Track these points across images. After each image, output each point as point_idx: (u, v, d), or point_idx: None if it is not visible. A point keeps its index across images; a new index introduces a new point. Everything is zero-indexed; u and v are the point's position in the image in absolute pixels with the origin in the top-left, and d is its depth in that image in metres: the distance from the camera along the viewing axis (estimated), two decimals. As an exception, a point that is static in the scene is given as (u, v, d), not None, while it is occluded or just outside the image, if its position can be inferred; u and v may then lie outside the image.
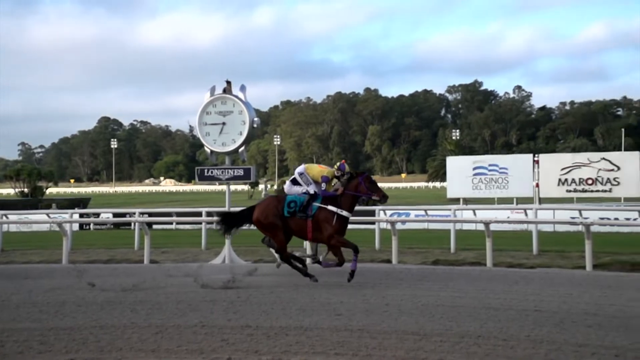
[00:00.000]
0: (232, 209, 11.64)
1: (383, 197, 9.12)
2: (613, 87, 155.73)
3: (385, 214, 19.00)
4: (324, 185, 9.25)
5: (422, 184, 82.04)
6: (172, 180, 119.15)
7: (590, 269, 10.42)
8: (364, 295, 7.87)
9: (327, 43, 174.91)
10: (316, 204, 9.01)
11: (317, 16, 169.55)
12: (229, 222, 9.75)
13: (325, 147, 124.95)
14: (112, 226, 24.43)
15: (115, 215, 24.07)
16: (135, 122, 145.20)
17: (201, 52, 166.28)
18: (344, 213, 8.94)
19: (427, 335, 5.82)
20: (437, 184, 66.87)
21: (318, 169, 9.67)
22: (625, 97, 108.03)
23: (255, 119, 12.64)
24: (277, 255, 9.93)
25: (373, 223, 16.39)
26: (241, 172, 12.80)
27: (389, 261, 12.05)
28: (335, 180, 9.40)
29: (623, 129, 77.70)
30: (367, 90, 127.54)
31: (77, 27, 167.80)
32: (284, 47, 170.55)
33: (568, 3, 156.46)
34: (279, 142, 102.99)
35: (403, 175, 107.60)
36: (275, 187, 74.27)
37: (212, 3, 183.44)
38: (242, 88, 12.67)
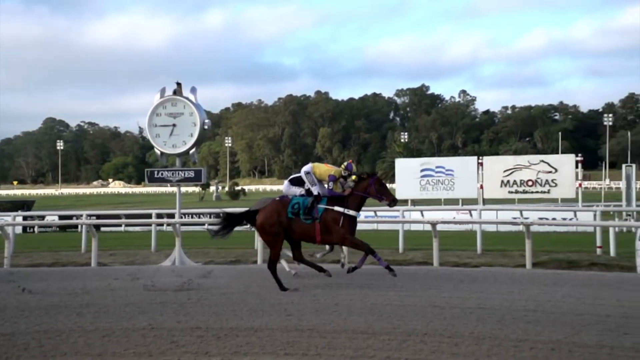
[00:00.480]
0: (233, 210, 11.21)
1: (392, 201, 8.97)
2: (551, 92, 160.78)
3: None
4: (331, 184, 9.07)
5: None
6: (121, 182, 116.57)
7: (530, 267, 10.74)
8: (315, 295, 7.90)
9: (277, 46, 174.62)
10: (322, 206, 8.78)
11: (267, 19, 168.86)
12: (231, 222, 9.39)
13: (276, 149, 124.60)
14: (57, 229, 23.75)
15: (61, 217, 23.38)
16: (82, 124, 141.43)
17: (151, 54, 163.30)
18: (351, 212, 8.75)
19: (376, 333, 5.89)
20: (388, 185, 67.54)
21: (325, 168, 9.48)
22: (561, 102, 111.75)
23: (206, 120, 12.53)
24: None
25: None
26: (192, 174, 12.65)
27: (338, 262, 12.11)
28: (342, 180, 9.24)
29: (560, 133, 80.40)
30: (318, 93, 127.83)
31: (18, 25, 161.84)
32: (235, 50, 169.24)
33: (508, 12, 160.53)
34: (230, 144, 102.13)
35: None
36: (226, 188, 73.73)
37: (162, 5, 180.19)
38: (193, 90, 12.53)
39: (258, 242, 12.40)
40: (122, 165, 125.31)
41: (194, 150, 12.48)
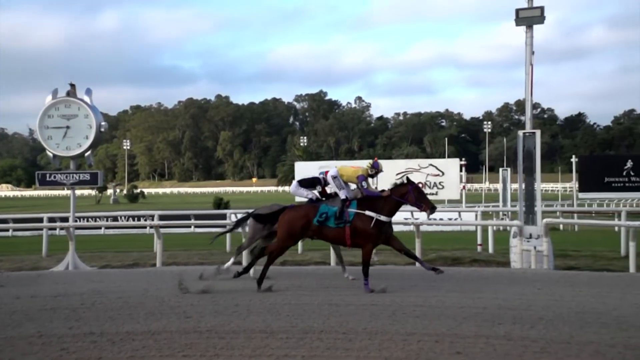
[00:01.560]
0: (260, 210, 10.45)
1: (431, 209, 8.60)
2: (438, 100, 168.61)
3: (236, 216, 18.93)
4: (364, 184, 8.73)
5: (273, 188, 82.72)
6: (9, 185, 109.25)
7: (418, 265, 11.11)
8: (214, 297, 7.78)
9: (177, 49, 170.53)
10: (352, 210, 8.42)
11: (164, 22, 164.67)
12: (261, 222, 9.16)
13: (177, 152, 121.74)
14: None
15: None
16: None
17: (43, 53, 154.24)
18: (383, 218, 8.35)
19: (274, 332, 5.89)
20: (287, 188, 67.78)
21: (352, 169, 9.11)
22: (447, 110, 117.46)
23: (103, 123, 12.02)
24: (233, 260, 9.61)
25: (224, 226, 16.24)
26: (87, 177, 12.09)
27: (239, 263, 12.00)
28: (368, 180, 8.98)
29: (446, 138, 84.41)
30: (219, 97, 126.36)
31: None
32: (132, 52, 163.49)
33: (398, 24, 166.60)
34: (128, 147, 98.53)
35: (254, 179, 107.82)
36: (125, 191, 71.03)
37: (54, 3, 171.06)
38: (88, 91, 11.99)
39: (157, 245, 12.05)
40: (9, 167, 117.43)
41: (89, 152, 11.94)
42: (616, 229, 14.98)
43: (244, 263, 9.87)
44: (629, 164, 20.23)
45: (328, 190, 9.41)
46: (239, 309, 6.96)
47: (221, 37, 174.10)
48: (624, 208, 17.35)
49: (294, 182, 9.80)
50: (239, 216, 19.47)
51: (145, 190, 77.00)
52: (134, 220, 20.26)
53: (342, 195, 8.74)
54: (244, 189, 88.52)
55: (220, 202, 39.83)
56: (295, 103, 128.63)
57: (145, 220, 18.94)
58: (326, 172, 9.69)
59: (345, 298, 7.59)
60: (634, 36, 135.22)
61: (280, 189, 74.30)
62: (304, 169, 23.40)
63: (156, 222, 15.03)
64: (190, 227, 20.46)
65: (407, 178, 8.96)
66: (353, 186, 9.01)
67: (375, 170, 8.98)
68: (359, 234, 8.27)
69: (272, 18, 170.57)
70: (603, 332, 5.73)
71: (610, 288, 8.21)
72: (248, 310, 6.92)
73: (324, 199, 9.28)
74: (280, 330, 5.98)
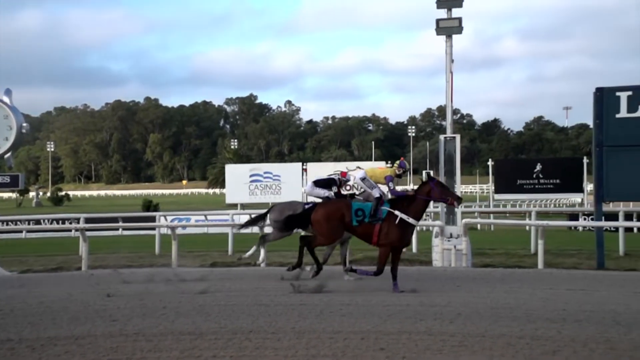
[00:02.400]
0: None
1: (457, 200, 8.62)
2: (365, 105, 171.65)
3: (166, 219, 18.55)
4: (391, 185, 8.62)
5: (203, 190, 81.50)
6: None
7: (347, 264, 11.25)
8: (142, 299, 7.57)
9: (104, 51, 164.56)
10: (385, 208, 8.34)
11: (91, 23, 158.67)
12: (291, 224, 9.05)
13: (104, 154, 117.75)
14: None
15: None
16: None
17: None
18: (411, 220, 8.27)
19: (203, 334, 5.80)
20: (217, 191, 66.97)
21: (380, 170, 9.03)
22: (374, 114, 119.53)
23: (24, 124, 11.47)
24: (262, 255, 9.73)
25: (154, 229, 15.89)
26: (7, 179, 11.53)
27: (169, 265, 11.77)
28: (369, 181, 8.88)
29: (373, 142, 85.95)
30: (148, 99, 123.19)
31: None
32: (56, 52, 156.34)
33: (326, 31, 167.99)
34: (52, 149, 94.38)
35: (184, 182, 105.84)
36: (48, 194, 67.93)
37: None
38: (8, 92, 11.42)
39: (83, 248, 11.62)
40: None
41: (9, 154, 11.37)
42: (527, 228, 15.70)
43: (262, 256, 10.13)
44: (538, 167, 21.33)
45: (343, 191, 9.55)
46: (168, 311, 6.81)
47: (151, 40, 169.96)
48: (534, 208, 18.22)
49: (309, 183, 9.84)
50: (169, 219, 19.12)
51: (71, 193, 73.94)
52: (58, 223, 19.41)
53: (376, 194, 8.75)
54: (174, 191, 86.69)
55: (150, 205, 38.83)
56: (225, 106, 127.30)
57: (71, 223, 18.18)
58: (343, 174, 9.95)
59: (275, 299, 7.58)
60: (543, 48, 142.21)
61: (210, 191, 73.33)
62: (235, 172, 23.23)
63: (82, 225, 14.48)
64: (118, 229, 19.85)
65: (428, 175, 9.07)
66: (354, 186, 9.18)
67: (403, 170, 9.05)
68: (384, 233, 8.25)
69: (202, 22, 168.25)
70: (514, 325, 5.99)
71: (521, 284, 8.61)
72: (177, 312, 6.79)
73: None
74: (209, 331, 5.89)
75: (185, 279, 9.39)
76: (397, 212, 8.23)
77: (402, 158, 9.48)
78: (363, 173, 9.10)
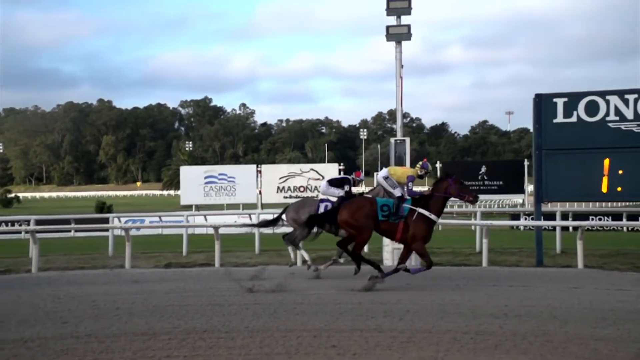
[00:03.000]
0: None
1: (475, 198, 8.64)
2: (318, 108, 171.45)
3: (119, 220, 18.12)
4: (410, 185, 8.63)
5: (158, 192, 79.95)
6: None
7: (300, 264, 11.25)
8: (94, 301, 7.39)
9: (55, 52, 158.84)
10: (407, 206, 8.34)
11: (41, 24, 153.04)
12: (313, 223, 8.97)
13: (56, 155, 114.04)
14: None
15: None
16: None
17: None
18: (432, 217, 8.32)
19: (156, 334, 5.71)
20: (172, 192, 65.85)
21: (402, 170, 9.02)
22: (327, 117, 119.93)
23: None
24: (292, 254, 9.51)
25: (107, 230, 15.51)
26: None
27: (122, 266, 11.51)
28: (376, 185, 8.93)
29: (326, 144, 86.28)
30: (101, 101, 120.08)
31: None
32: (6, 53, 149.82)
33: (279, 35, 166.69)
34: (1, 150, 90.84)
35: (138, 183, 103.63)
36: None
37: None
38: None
39: (33, 250, 11.24)
40: None
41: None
42: (472, 227, 16.06)
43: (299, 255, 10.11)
44: (483, 169, 21.86)
45: (355, 190, 9.60)
46: (120, 312, 6.67)
47: (103, 42, 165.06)
48: (479, 209, 18.60)
49: (324, 182, 9.91)
50: (123, 220, 18.68)
51: (21, 195, 71.39)
52: (7, 225, 18.72)
53: (398, 192, 8.80)
54: (128, 193, 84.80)
55: (103, 206, 37.86)
56: (180, 109, 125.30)
57: (20, 225, 17.56)
58: (357, 173, 10.05)
59: (229, 298, 7.52)
60: (486, 55, 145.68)
61: (165, 192, 72.07)
62: (189, 173, 22.94)
63: (32, 227, 14.00)
64: (70, 231, 19.28)
65: (445, 172, 9.07)
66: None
67: (425, 170, 9.08)
68: (408, 230, 8.30)
69: (156, 25, 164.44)
70: (459, 321, 6.13)
71: (467, 281, 8.81)
72: (130, 313, 6.65)
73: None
74: (163, 331, 5.80)
75: (139, 280, 9.22)
76: (419, 209, 8.32)
77: (424, 159, 9.57)
78: (386, 172, 9.27)
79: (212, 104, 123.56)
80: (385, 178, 9.14)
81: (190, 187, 21.60)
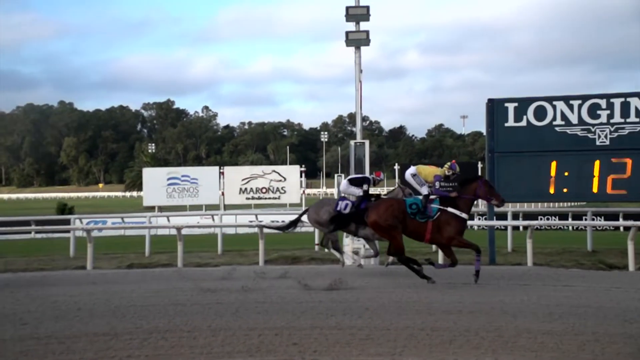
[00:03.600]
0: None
1: (502, 202, 8.59)
2: (280, 111, 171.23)
3: (81, 222, 17.68)
4: (437, 184, 8.55)
5: (120, 194, 78.27)
6: None
7: (262, 264, 11.22)
8: (55, 302, 7.20)
9: (13, 54, 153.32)
10: (435, 206, 8.29)
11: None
12: (339, 222, 9.07)
13: (15, 157, 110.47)
14: None
15: None
16: None
17: None
18: (464, 215, 8.34)
19: (118, 334, 5.60)
20: (135, 194, 64.60)
21: (430, 169, 8.86)
22: (289, 120, 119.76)
23: None
24: (340, 256, 9.38)
25: (68, 232, 15.11)
26: None
27: (84, 267, 11.24)
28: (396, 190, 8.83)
29: (288, 147, 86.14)
30: (62, 103, 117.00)
31: None
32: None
33: (241, 39, 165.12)
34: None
35: (100, 185, 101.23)
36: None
37: None
38: None
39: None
40: None
41: None
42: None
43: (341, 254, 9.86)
44: (440, 171, 22.18)
45: (372, 190, 9.56)
46: (82, 313, 6.52)
47: (63, 44, 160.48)
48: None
49: (345, 181, 9.78)
50: (85, 221, 18.23)
51: (-21, 196, 68.85)
52: (-35, 227, 17.99)
53: (424, 191, 8.73)
54: (90, 194, 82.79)
55: (65, 208, 36.80)
56: (143, 111, 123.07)
57: (-22, 227, 16.91)
58: (377, 173, 9.93)
59: (191, 298, 7.44)
60: (441, 61, 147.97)
61: (128, 194, 70.66)
62: (152, 175, 22.58)
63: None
64: (30, 233, 18.68)
65: (476, 174, 9.08)
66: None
67: (453, 171, 9.02)
68: (441, 231, 8.29)
69: (117, 28, 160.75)
70: (416, 318, 6.21)
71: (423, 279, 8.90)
72: (91, 314, 6.51)
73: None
74: (125, 332, 5.70)
75: (101, 281, 9.02)
76: (450, 209, 8.36)
77: (453, 161, 9.59)
78: (414, 169, 9.24)
79: (174, 106, 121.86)
80: (413, 175, 9.14)
81: (153, 189, 21.28)
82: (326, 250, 9.86)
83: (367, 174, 10.15)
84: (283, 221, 19.34)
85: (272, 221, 17.87)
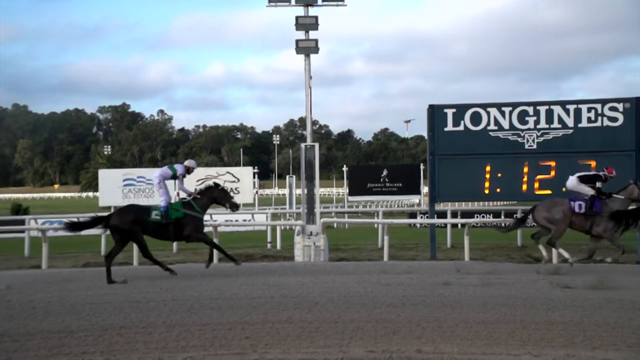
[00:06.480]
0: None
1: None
2: (233, 115, 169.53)
3: (36, 222, 16.98)
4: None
5: (76, 194, 75.56)
6: None
7: (216, 262, 11.08)
8: (9, 301, 6.89)
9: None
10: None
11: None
12: (620, 219, 9.17)
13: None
14: None
15: None
16: None
17: None
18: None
19: (73, 332, 5.41)
20: (90, 194, 62.51)
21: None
22: (242, 124, 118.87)
23: None
24: (545, 252, 9.41)
25: (23, 232, 14.51)
26: None
27: (39, 267, 10.81)
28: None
29: (241, 149, 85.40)
30: (16, 105, 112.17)
31: None
32: None
33: (193, 45, 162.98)
34: None
35: (56, 186, 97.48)
36: None
37: None
38: None
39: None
40: None
41: None
42: (375, 225, 16.50)
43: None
44: (385, 172, 22.63)
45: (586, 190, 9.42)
46: (36, 312, 6.26)
47: (17, 48, 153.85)
48: (381, 209, 19.15)
49: (574, 178, 9.49)
50: (40, 222, 17.50)
51: None
52: None
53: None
54: (46, 195, 79.60)
55: (19, 208, 35.25)
56: (98, 114, 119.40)
57: None
58: (609, 170, 9.56)
59: (147, 295, 7.26)
60: (385, 69, 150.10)
61: (84, 195, 68.35)
62: (108, 176, 21.99)
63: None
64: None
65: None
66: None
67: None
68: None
69: (73, 33, 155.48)
70: (362, 311, 6.26)
71: (370, 275, 9.01)
72: (46, 312, 6.26)
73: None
74: (80, 329, 5.51)
75: (52, 280, 8.69)
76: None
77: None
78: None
79: (130, 109, 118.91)
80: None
81: (109, 189, 20.73)
82: (539, 246, 9.50)
83: (599, 172, 9.69)
84: (236, 220, 19.27)
85: (226, 220, 17.72)
